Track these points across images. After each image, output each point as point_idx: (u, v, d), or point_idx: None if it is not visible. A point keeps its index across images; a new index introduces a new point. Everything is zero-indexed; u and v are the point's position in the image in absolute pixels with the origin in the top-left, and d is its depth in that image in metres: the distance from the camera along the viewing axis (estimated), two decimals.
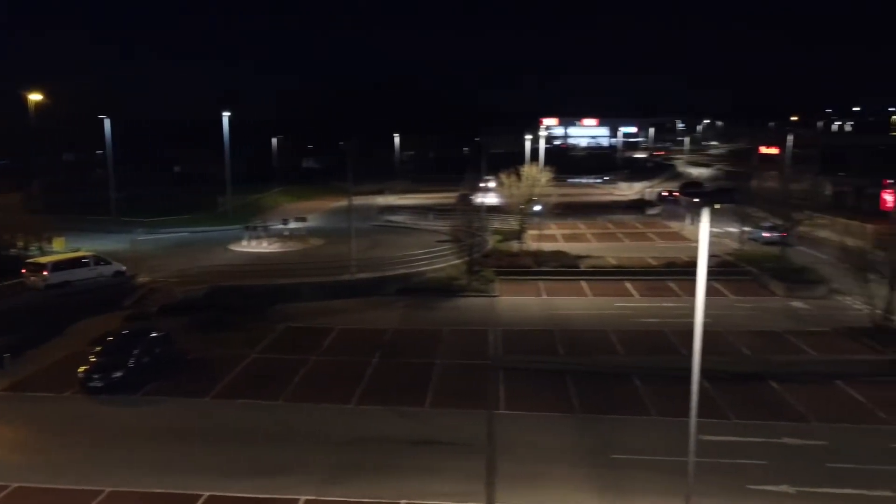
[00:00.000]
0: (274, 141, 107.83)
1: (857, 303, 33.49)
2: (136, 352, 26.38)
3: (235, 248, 52.25)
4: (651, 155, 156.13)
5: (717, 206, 14.01)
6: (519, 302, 37.82)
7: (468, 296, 38.71)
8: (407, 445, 21.05)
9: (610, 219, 68.55)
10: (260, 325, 33.21)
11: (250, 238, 53.09)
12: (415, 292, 39.12)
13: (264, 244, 51.99)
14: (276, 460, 20.26)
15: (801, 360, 27.39)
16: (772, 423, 22.05)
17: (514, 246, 48.79)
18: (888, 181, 59.98)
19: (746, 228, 49.74)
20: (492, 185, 57.58)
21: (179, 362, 28.03)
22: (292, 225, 56.72)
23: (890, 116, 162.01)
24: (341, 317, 35.03)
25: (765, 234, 49.48)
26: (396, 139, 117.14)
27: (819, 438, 21.02)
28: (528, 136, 66.26)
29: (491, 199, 57.17)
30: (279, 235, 54.37)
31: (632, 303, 37.35)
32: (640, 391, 24.94)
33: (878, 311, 29.85)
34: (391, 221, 66.05)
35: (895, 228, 34.26)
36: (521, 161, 55.08)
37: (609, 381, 25.95)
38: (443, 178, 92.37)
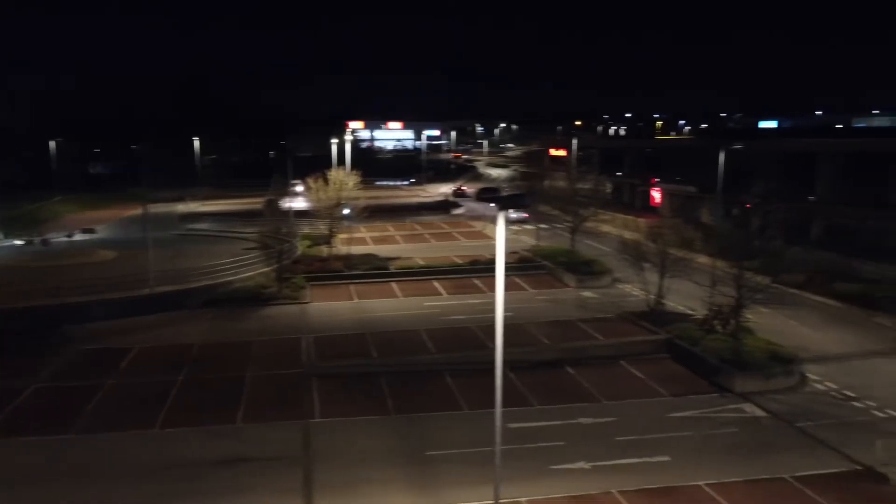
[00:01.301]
0: (52, 144, 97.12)
1: (636, 290, 37.42)
2: None
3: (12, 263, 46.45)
4: (454, 157, 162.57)
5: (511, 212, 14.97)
6: (331, 307, 37.64)
7: (279, 304, 37.81)
8: (219, 466, 20.13)
9: (417, 220, 70.46)
10: (43, 349, 29.92)
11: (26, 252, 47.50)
12: (222, 303, 37.43)
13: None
14: (75, 502, 18.41)
15: (591, 345, 30.09)
16: (569, 406, 24.02)
17: (325, 250, 48.43)
18: (655, 180, 67.71)
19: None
20: (299, 189, 56.58)
21: None
22: (78, 237, 51.61)
23: (656, 122, 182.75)
24: (141, 335, 32.61)
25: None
26: (196, 143, 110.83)
27: (609, 415, 23.25)
28: (335, 140, 65.91)
29: (299, 204, 56.21)
30: (61, 249, 49.20)
31: (440, 301, 38.71)
32: (451, 387, 25.97)
33: (653, 297, 33.62)
34: (194, 230, 62.49)
35: (663, 222, 38.62)
36: (329, 165, 54.73)
37: (422, 379, 26.74)
38: (248, 184, 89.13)
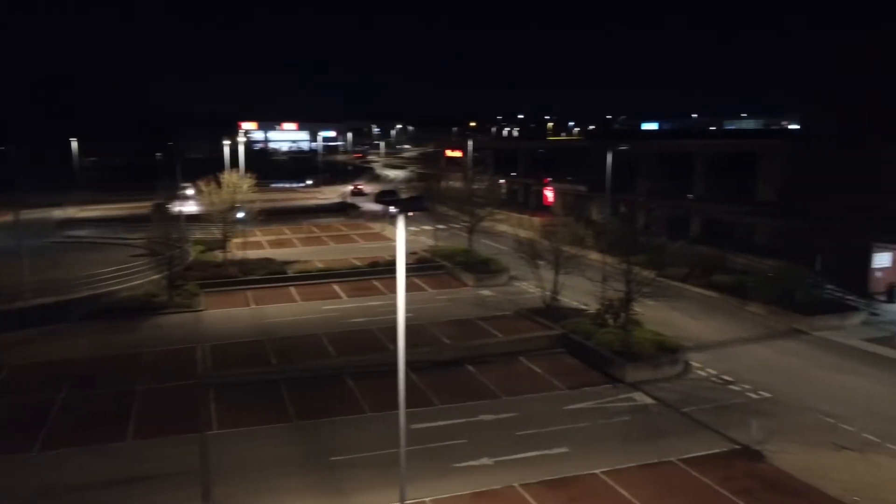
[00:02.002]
0: None
1: (532, 287, 38.51)
2: None
3: None
4: (358, 157, 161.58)
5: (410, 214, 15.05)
6: (227, 314, 36.47)
7: (171, 313, 36.23)
8: (111, 487, 19.09)
9: (315, 222, 69.42)
10: None
11: None
12: (107, 315, 35.41)
13: None
14: None
15: (491, 343, 30.71)
16: (470, 404, 24.43)
17: (219, 256, 46.83)
18: (548, 180, 69.93)
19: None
20: (190, 192, 54.36)
21: None
22: None
23: (547, 124, 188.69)
24: (14, 352, 30.33)
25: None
26: (74, 144, 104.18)
27: (509, 411, 23.85)
28: (227, 141, 63.82)
29: (190, 208, 54.07)
30: None
31: (340, 304, 38.35)
32: (353, 390, 25.81)
33: (548, 293, 34.75)
34: (73, 237, 58.68)
35: (556, 221, 40.00)
36: (221, 167, 52.95)
37: (323, 384, 26.42)
38: (134, 187, 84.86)
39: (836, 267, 36.67)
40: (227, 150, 60.77)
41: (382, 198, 18.84)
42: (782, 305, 33.67)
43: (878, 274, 37.34)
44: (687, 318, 34.29)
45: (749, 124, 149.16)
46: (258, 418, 23.32)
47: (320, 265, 46.52)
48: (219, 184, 47.07)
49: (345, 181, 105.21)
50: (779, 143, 46.16)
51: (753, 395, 24.83)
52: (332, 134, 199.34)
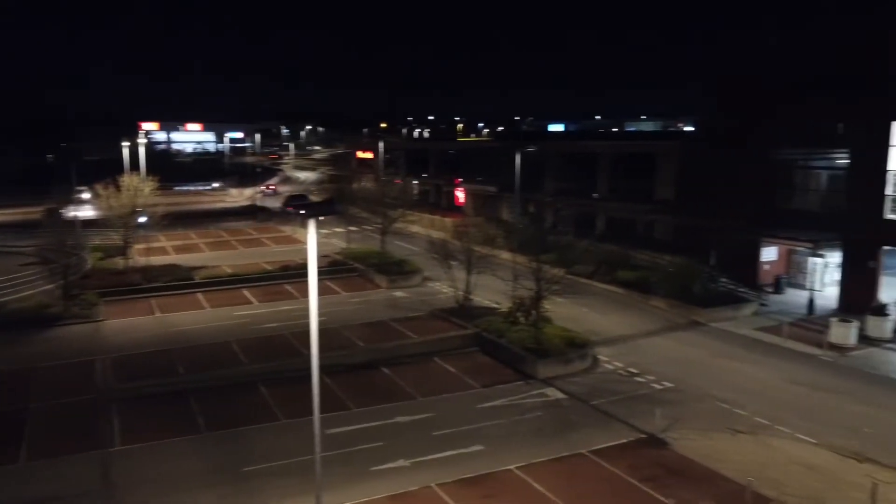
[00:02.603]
0: None
1: (445, 287, 38.83)
2: None
3: None
4: (272, 158, 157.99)
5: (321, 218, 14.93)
6: (129, 324, 34.90)
7: (67, 324, 34.31)
8: None
9: (223, 226, 67.48)
10: None
11: None
12: None
13: None
14: None
15: (405, 344, 30.78)
16: (386, 406, 24.41)
17: (119, 263, 44.77)
18: (459, 180, 70.69)
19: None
20: (87, 196, 51.61)
21: None
22: None
23: (457, 124, 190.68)
24: None
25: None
26: None
27: (425, 412, 23.98)
28: (126, 143, 61.05)
29: (87, 213, 51.36)
30: None
31: (251, 310, 37.44)
32: (266, 397, 25.28)
33: (461, 293, 35.16)
34: None
35: (467, 221, 40.54)
36: (121, 169, 50.65)
37: (235, 392, 25.73)
38: (21, 191, 79.73)
39: (729, 261, 38.94)
40: (126, 152, 58.16)
41: (292, 202, 18.58)
42: (681, 299, 35.43)
43: (766, 267, 39.89)
44: (594, 313, 35.51)
45: (648, 126, 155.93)
46: (165, 432, 22.44)
47: (229, 270, 45.30)
48: (118, 187, 45.03)
49: (254, 183, 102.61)
50: (675, 143, 48.53)
51: (657, 386, 26.00)
52: (240, 135, 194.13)
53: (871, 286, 33.86)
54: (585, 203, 51.49)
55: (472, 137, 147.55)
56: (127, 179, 45.90)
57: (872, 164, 33.38)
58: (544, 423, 23.01)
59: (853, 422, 22.05)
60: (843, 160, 36.30)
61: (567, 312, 33.07)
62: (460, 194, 71.43)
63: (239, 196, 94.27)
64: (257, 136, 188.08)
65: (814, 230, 36.31)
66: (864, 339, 30.20)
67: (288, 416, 23.58)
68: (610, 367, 28.26)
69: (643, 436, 21.73)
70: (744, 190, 39.00)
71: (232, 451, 21.18)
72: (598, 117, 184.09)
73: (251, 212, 76.53)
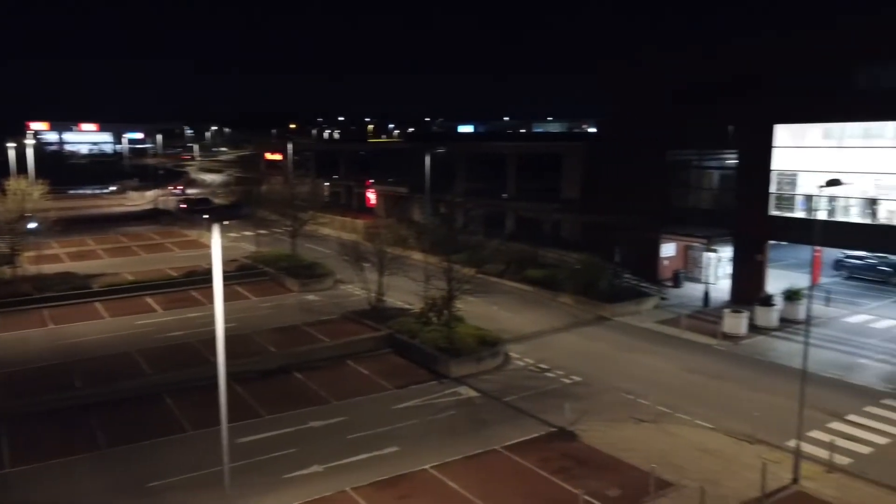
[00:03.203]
0: None
1: (358, 289, 38.62)
2: None
3: None
4: (183, 159, 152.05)
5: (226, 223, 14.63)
6: (19, 337, 32.85)
7: None
8: None
9: (123, 231, 64.59)
10: None
11: None
12: None
13: None
14: None
15: (318, 348, 30.41)
16: (299, 412, 24.04)
17: (6, 272, 41.97)
18: (370, 182, 70.40)
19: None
20: None
21: None
22: None
23: (367, 126, 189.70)
24: None
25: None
26: None
27: (339, 416, 23.78)
28: (12, 144, 57.39)
29: None
30: None
31: (155, 318, 36.00)
32: (172, 409, 24.39)
33: (373, 295, 35.06)
34: None
35: (379, 222, 40.53)
36: (6, 172, 47.56)
37: (138, 405, 24.69)
38: None
39: (631, 257, 40.63)
40: (12, 154, 54.72)
41: (196, 206, 18.05)
42: (588, 295, 36.67)
43: (666, 262, 41.88)
44: (505, 311, 36.21)
45: (555, 127, 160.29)
46: (62, 450, 21.25)
47: (131, 277, 43.41)
48: (3, 191, 42.32)
49: (157, 186, 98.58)
50: (579, 144, 50.10)
51: (566, 380, 26.83)
52: (140, 136, 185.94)
53: (759, 278, 36.20)
54: (495, 203, 52.40)
55: (383, 139, 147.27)
56: (13, 183, 43.20)
57: (758, 165, 35.66)
58: (458, 421, 23.29)
59: (744, 406, 23.47)
60: (732, 161, 38.58)
61: (479, 311, 33.58)
62: (371, 196, 71.14)
63: (140, 199, 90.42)
64: (159, 137, 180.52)
65: (707, 226, 38.40)
66: (754, 329, 32.24)
67: (196, 426, 22.83)
68: (521, 363, 28.91)
69: (553, 429, 22.37)
70: (643, 189, 40.81)
71: (135, 467, 20.31)
72: (506, 118, 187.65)
73: (154, 215, 73.56)
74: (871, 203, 32.40)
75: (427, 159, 41.87)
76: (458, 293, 29.77)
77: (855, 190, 32.49)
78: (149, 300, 39.24)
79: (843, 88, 32.46)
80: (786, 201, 35.35)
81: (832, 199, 33.13)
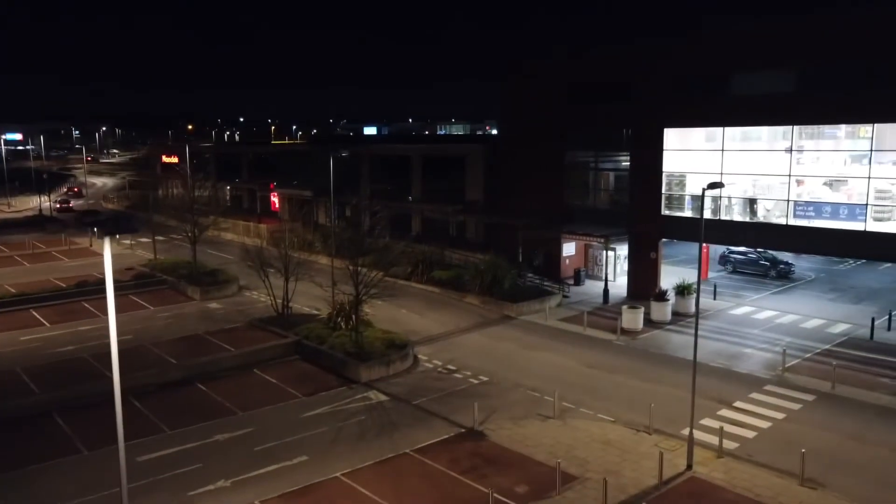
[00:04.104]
0: None
1: (263, 296, 37.80)
2: None
3: None
4: (60, 162, 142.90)
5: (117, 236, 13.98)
6: None
7: None
8: None
9: (3, 239, 60.34)
10: None
11: None
12: None
13: None
14: None
15: (222, 358, 29.56)
16: (204, 425, 23.31)
17: None
18: (273, 185, 68.87)
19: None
20: None
21: None
22: None
23: (269, 127, 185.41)
24: None
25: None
26: None
27: (246, 427, 23.23)
28: None
29: None
30: None
31: (42, 333, 33.92)
32: (63, 428, 23.10)
33: (279, 301, 34.42)
34: None
35: (283, 226, 39.78)
36: None
37: (25, 427, 23.22)
38: None
39: (534, 256, 41.75)
40: None
41: (86, 218, 17.17)
42: (493, 295, 37.44)
43: (567, 261, 43.33)
44: (413, 314, 36.43)
45: (458, 129, 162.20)
46: None
47: (13, 290, 40.67)
48: None
49: (40, 191, 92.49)
50: (480, 147, 50.91)
51: (474, 380, 27.31)
52: (19, 136, 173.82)
53: (654, 275, 38.10)
54: (401, 205, 52.51)
55: (286, 140, 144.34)
56: None
57: (650, 167, 37.52)
58: (368, 426, 23.27)
59: (642, 398, 24.68)
60: (626, 162, 40.38)
61: (387, 314, 33.64)
62: (275, 199, 69.65)
63: (23, 206, 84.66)
64: (41, 138, 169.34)
65: (606, 226, 40.03)
66: (650, 323, 33.92)
67: (91, 446, 21.71)
68: (430, 365, 29.18)
69: (462, 430, 22.73)
70: (542, 190, 42.05)
71: (21, 494, 19.09)
72: (410, 120, 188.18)
73: (38, 222, 69.06)
74: (751, 202, 34.77)
75: (331, 161, 41.43)
76: (366, 297, 29.70)
77: (736, 190, 34.81)
78: (35, 313, 36.94)
79: (723, 94, 34.64)
80: (676, 201, 37.41)
81: (716, 199, 35.31)
